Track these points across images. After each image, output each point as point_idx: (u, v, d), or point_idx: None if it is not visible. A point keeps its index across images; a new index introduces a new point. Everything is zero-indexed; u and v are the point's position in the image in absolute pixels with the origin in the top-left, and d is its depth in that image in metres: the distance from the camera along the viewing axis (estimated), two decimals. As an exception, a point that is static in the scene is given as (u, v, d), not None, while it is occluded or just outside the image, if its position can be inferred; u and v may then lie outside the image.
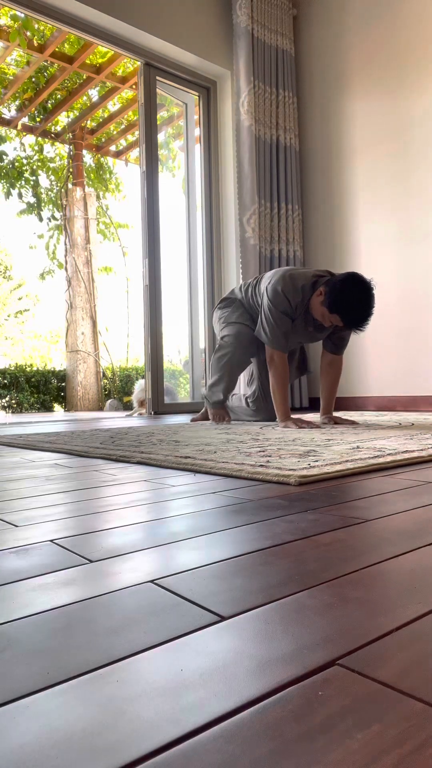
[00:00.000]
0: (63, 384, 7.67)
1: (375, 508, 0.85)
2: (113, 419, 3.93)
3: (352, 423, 2.47)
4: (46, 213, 7.82)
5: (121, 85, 5.88)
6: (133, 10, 3.72)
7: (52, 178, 7.82)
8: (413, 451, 1.41)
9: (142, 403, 4.43)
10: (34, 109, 6.69)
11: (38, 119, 6.98)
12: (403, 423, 2.42)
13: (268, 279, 2.59)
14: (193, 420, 3.08)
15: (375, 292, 2.36)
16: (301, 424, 2.34)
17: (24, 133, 7.23)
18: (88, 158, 7.73)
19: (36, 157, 7.65)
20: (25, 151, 7.57)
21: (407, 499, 0.91)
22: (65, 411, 7.47)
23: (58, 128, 7.29)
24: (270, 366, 2.52)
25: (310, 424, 2.33)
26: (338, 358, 2.68)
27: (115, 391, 7.75)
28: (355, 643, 0.41)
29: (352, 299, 2.25)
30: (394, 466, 1.26)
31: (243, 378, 3.23)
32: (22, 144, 7.53)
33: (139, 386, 4.58)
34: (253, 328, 2.70)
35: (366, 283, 2.27)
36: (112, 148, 7.64)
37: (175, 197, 4.71)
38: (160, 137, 5.10)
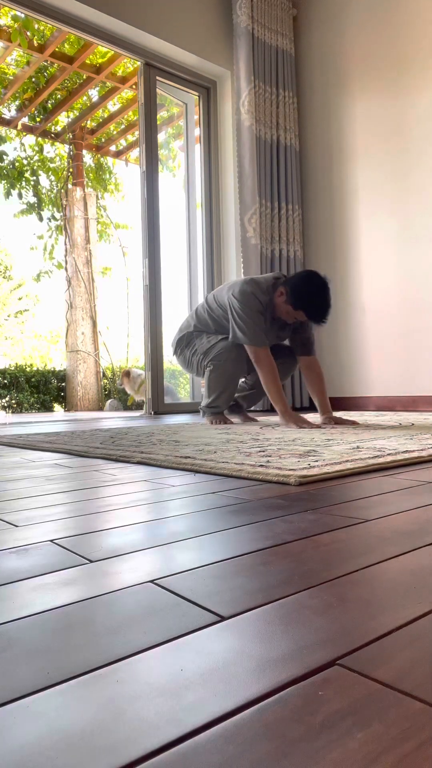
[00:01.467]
0: (63, 384, 7.67)
1: (375, 508, 0.85)
2: (113, 419, 3.93)
3: (353, 423, 2.48)
4: (46, 213, 7.82)
5: (121, 85, 5.88)
6: (133, 10, 3.72)
7: (52, 178, 7.82)
8: (413, 451, 1.41)
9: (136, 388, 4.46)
10: (34, 109, 6.69)
11: (38, 119, 6.98)
12: (403, 423, 2.43)
13: (230, 288, 2.64)
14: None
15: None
16: (302, 424, 2.35)
17: (24, 133, 7.23)
18: (88, 158, 7.74)
19: (36, 157, 7.65)
20: (25, 151, 7.57)
21: (407, 499, 0.91)
22: (65, 411, 7.47)
23: (58, 128, 7.29)
24: (257, 365, 2.54)
25: (311, 425, 2.34)
26: (314, 360, 2.72)
27: (115, 391, 7.75)
28: (355, 643, 0.41)
29: (313, 295, 2.41)
30: (394, 466, 1.26)
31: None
32: (22, 144, 7.54)
33: (135, 375, 4.59)
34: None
35: (323, 279, 2.43)
36: (112, 148, 7.64)
37: (175, 197, 4.72)
38: (160, 137, 5.10)
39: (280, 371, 2.82)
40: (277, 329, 2.68)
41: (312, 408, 4.28)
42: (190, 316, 2.93)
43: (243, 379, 3.05)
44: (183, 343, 2.91)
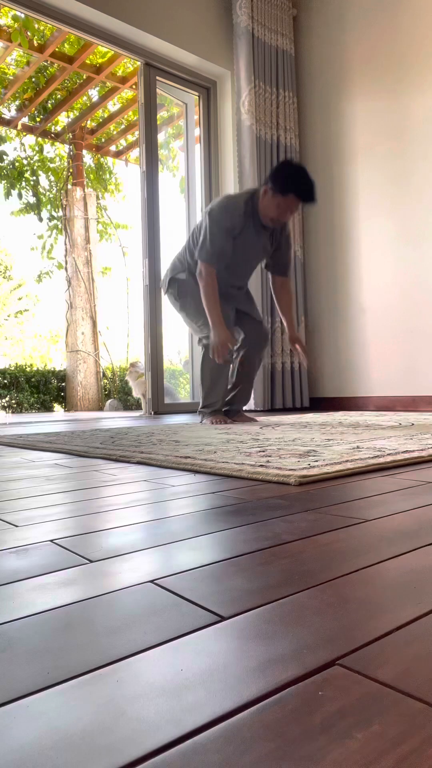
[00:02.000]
0: (63, 384, 7.67)
1: (375, 508, 0.85)
2: (113, 419, 3.93)
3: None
4: (45, 213, 7.82)
5: (121, 85, 5.88)
6: (133, 10, 3.72)
7: (52, 178, 7.81)
8: (413, 451, 1.41)
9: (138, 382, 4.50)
10: (34, 109, 6.69)
11: (38, 119, 6.98)
12: (403, 423, 2.43)
13: (207, 207, 2.70)
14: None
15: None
16: (229, 344, 2.55)
17: (24, 133, 7.23)
18: (88, 158, 7.73)
19: (36, 158, 7.65)
20: (25, 151, 7.57)
21: (407, 499, 0.91)
22: (65, 411, 7.47)
23: (58, 128, 7.29)
24: (200, 278, 2.60)
25: (234, 343, 2.61)
26: (287, 281, 2.87)
27: (115, 391, 7.75)
28: (355, 643, 0.41)
29: (297, 175, 2.50)
30: (394, 466, 1.26)
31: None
32: (22, 144, 7.53)
33: (139, 367, 4.63)
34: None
35: (297, 162, 2.62)
36: (112, 148, 7.64)
37: (175, 197, 4.72)
38: (160, 137, 5.10)
39: (251, 348, 2.90)
40: (265, 241, 2.72)
41: (312, 408, 4.28)
42: (181, 253, 2.90)
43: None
44: (174, 289, 2.87)
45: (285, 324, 2.87)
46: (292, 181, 2.47)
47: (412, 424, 2.32)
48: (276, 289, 2.90)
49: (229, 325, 2.74)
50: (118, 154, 7.72)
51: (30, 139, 7.51)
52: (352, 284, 4.10)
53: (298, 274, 4.26)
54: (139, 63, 4.04)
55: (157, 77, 4.08)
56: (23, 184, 7.57)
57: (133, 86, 5.82)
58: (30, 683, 0.37)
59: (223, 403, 2.87)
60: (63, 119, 7.19)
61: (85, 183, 7.50)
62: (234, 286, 2.81)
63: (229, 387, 2.97)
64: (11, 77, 6.25)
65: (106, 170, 7.96)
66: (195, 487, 1.07)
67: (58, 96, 6.66)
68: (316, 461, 1.27)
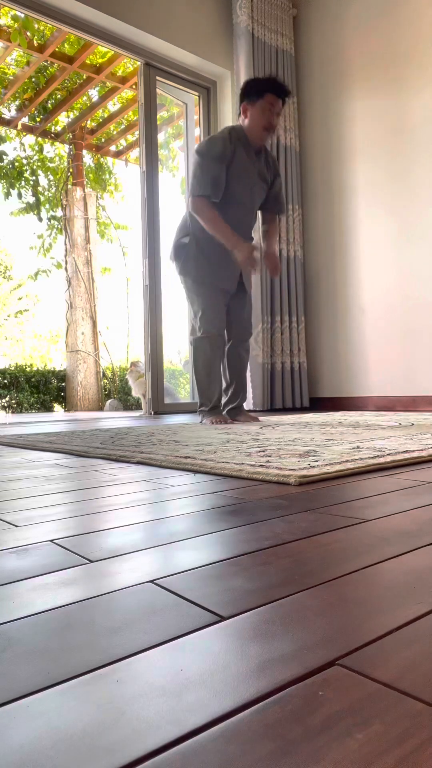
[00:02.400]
0: (63, 384, 7.67)
1: (375, 508, 0.85)
2: (113, 419, 3.93)
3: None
4: (45, 213, 7.82)
5: (121, 85, 5.88)
6: (133, 10, 3.72)
7: (52, 178, 7.81)
8: (413, 451, 1.41)
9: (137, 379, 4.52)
10: (34, 109, 6.69)
11: (38, 119, 6.98)
12: (403, 423, 2.43)
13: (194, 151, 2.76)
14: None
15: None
16: (253, 253, 2.56)
17: (24, 133, 7.23)
18: (87, 158, 7.73)
19: (36, 157, 7.65)
20: (25, 151, 7.57)
21: (407, 499, 0.91)
22: (65, 411, 7.47)
23: (58, 128, 7.29)
24: (198, 215, 2.60)
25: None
26: (276, 218, 2.95)
27: (115, 391, 7.75)
28: (355, 643, 0.41)
29: (264, 78, 2.65)
30: (394, 466, 1.26)
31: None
32: (22, 144, 7.53)
33: (140, 367, 4.65)
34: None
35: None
36: (112, 148, 7.64)
37: (175, 197, 4.72)
38: (160, 137, 5.10)
39: (234, 342, 2.92)
40: (261, 168, 2.75)
41: (312, 408, 4.28)
42: (184, 216, 2.88)
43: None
44: (181, 260, 2.82)
45: (266, 245, 2.85)
46: (263, 82, 2.62)
47: (412, 424, 2.32)
48: (266, 223, 2.93)
49: (220, 316, 2.76)
50: (118, 154, 7.72)
51: (30, 139, 7.52)
52: (352, 284, 4.10)
53: (297, 274, 4.26)
54: (139, 63, 4.04)
55: (157, 77, 4.08)
56: (23, 183, 7.57)
57: (133, 86, 5.82)
58: (30, 683, 0.37)
59: (220, 400, 2.87)
60: (63, 119, 7.19)
61: (85, 183, 7.50)
62: (244, 221, 2.76)
63: (224, 386, 2.98)
64: (11, 77, 6.25)
65: (105, 170, 7.96)
66: (195, 487, 1.07)
67: (58, 96, 6.66)
68: (316, 461, 1.27)
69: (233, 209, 2.69)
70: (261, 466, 1.23)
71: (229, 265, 2.74)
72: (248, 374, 3.93)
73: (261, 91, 2.59)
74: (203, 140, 2.73)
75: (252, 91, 2.62)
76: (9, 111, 6.75)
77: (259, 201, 2.84)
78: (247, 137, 2.68)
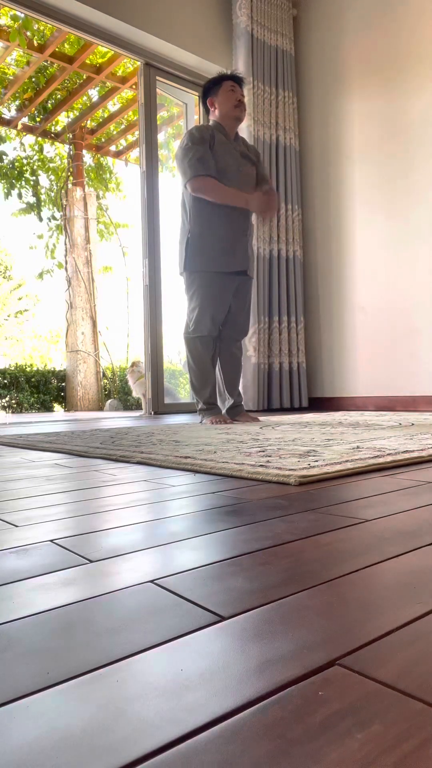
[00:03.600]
0: (63, 384, 7.67)
1: (375, 508, 0.85)
2: (113, 419, 3.93)
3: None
4: (45, 213, 7.82)
5: (121, 85, 5.88)
6: (133, 10, 3.72)
7: (52, 178, 7.81)
8: (413, 451, 1.41)
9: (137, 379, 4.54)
10: (34, 109, 6.69)
11: (38, 119, 6.98)
12: (403, 423, 2.43)
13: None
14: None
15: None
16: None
17: (24, 133, 7.23)
18: (88, 158, 7.73)
19: (36, 157, 7.65)
20: (25, 151, 7.57)
21: (407, 499, 0.91)
22: (65, 411, 7.47)
23: (58, 128, 7.29)
24: (201, 194, 2.65)
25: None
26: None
27: (115, 391, 7.75)
28: (355, 643, 0.41)
29: (216, 76, 2.86)
30: (394, 466, 1.26)
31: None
32: (22, 144, 7.53)
33: (141, 367, 4.66)
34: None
35: None
36: (112, 148, 7.64)
37: (175, 197, 4.71)
38: (160, 137, 5.10)
39: (228, 339, 2.93)
40: (243, 149, 2.84)
41: (312, 408, 4.28)
42: (182, 222, 2.91)
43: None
44: (182, 257, 2.84)
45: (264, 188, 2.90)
46: (217, 76, 2.84)
47: (412, 424, 2.32)
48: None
49: (214, 318, 2.75)
50: (118, 154, 7.72)
51: (30, 139, 7.52)
52: (351, 284, 4.10)
53: (297, 274, 4.26)
54: (139, 63, 4.04)
55: (157, 77, 4.08)
56: (23, 183, 7.56)
57: (133, 86, 5.82)
58: (30, 683, 0.37)
59: (214, 398, 2.87)
60: (63, 119, 7.19)
61: (85, 183, 7.50)
62: (238, 221, 2.77)
63: (218, 385, 2.99)
64: (11, 77, 6.25)
65: (106, 170, 7.96)
66: (195, 487, 1.07)
67: (58, 96, 6.66)
68: (316, 461, 1.27)
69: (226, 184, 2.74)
70: (261, 466, 1.23)
71: (233, 250, 2.76)
72: (246, 374, 3.93)
73: (218, 81, 2.81)
74: (184, 137, 2.79)
75: (211, 86, 2.83)
76: (9, 111, 6.75)
77: (252, 180, 2.86)
78: (221, 126, 2.79)
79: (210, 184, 2.64)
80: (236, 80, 2.83)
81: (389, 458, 1.29)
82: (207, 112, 2.89)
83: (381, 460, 1.27)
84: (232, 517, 0.82)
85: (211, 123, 2.84)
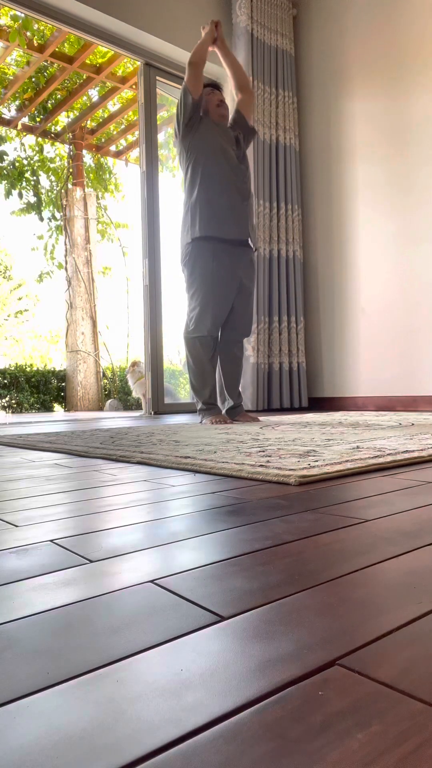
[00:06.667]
0: (63, 384, 7.67)
1: (375, 508, 0.85)
2: (113, 419, 3.93)
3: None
4: (46, 213, 7.82)
5: (121, 85, 5.88)
6: (133, 10, 3.72)
7: (53, 178, 7.81)
8: (413, 451, 1.41)
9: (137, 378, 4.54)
10: (34, 109, 6.69)
11: (38, 119, 6.98)
12: (403, 423, 2.42)
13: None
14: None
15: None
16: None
17: (24, 133, 7.23)
18: (88, 158, 7.73)
19: (36, 158, 7.65)
20: (25, 151, 7.57)
21: (407, 499, 0.91)
22: (65, 411, 7.47)
23: (58, 128, 7.29)
24: (189, 72, 2.79)
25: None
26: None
27: (115, 391, 7.75)
28: (355, 643, 0.41)
29: None
30: (394, 466, 1.26)
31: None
32: (22, 144, 7.54)
33: (141, 367, 4.67)
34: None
35: None
36: (112, 148, 7.64)
37: (175, 197, 4.72)
38: (160, 137, 5.09)
39: (230, 339, 2.95)
40: (224, 133, 2.89)
41: (312, 408, 4.28)
42: (182, 218, 2.93)
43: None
44: (182, 250, 2.87)
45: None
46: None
47: (412, 424, 2.32)
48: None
49: (214, 318, 2.76)
50: (118, 154, 7.72)
51: (30, 139, 7.52)
52: (351, 284, 4.10)
53: (297, 274, 4.26)
54: (139, 63, 4.04)
55: (157, 77, 4.08)
56: (23, 184, 7.57)
57: (133, 86, 5.82)
58: (30, 683, 0.37)
59: (214, 398, 2.87)
60: (63, 119, 7.19)
61: (85, 183, 7.50)
62: (234, 184, 2.79)
63: (219, 385, 2.99)
64: (11, 77, 6.25)
65: (106, 170, 7.96)
66: (195, 487, 1.07)
67: (58, 96, 6.66)
68: (316, 461, 1.27)
69: (221, 163, 2.77)
70: (261, 466, 1.23)
71: (234, 217, 2.77)
72: (246, 374, 3.93)
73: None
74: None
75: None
76: (9, 111, 6.75)
77: (240, 151, 2.90)
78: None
79: (190, 60, 2.79)
80: (213, 86, 2.95)
81: (389, 458, 1.29)
82: None
83: (381, 460, 1.27)
84: (232, 517, 0.82)
85: None
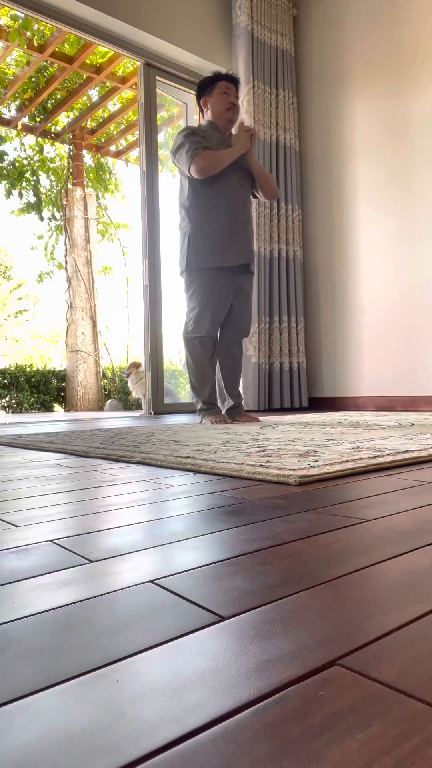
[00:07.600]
0: (63, 384, 7.67)
1: (375, 508, 0.85)
2: (113, 419, 3.93)
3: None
4: (46, 213, 7.82)
5: (121, 85, 5.88)
6: (133, 10, 3.72)
7: (53, 178, 7.81)
8: (413, 451, 1.41)
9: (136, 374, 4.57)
10: (34, 109, 6.69)
11: (38, 119, 6.98)
12: (403, 423, 2.42)
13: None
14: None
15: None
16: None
17: (24, 133, 7.23)
18: (88, 158, 7.73)
19: (36, 157, 7.65)
20: (25, 151, 7.57)
21: (407, 499, 0.91)
22: (65, 411, 7.47)
23: (58, 128, 7.29)
24: (204, 172, 2.67)
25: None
26: None
27: (115, 391, 7.75)
28: (355, 643, 0.41)
29: (210, 76, 2.85)
30: (394, 466, 1.26)
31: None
32: (22, 144, 7.54)
33: (142, 369, 4.70)
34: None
35: None
36: (112, 148, 7.64)
37: (175, 197, 4.71)
38: (160, 137, 5.09)
39: (228, 340, 2.94)
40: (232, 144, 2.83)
41: (312, 408, 4.28)
42: (180, 224, 2.93)
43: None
44: (182, 255, 2.86)
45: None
46: (212, 76, 2.84)
47: (412, 424, 2.32)
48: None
49: (213, 318, 2.76)
50: (118, 154, 7.72)
51: (30, 139, 7.52)
52: (351, 284, 4.10)
53: (297, 274, 4.26)
54: (139, 63, 4.04)
55: (157, 77, 4.08)
56: (23, 184, 7.57)
57: (133, 86, 5.82)
58: (30, 683, 0.37)
59: (214, 398, 2.87)
60: (63, 119, 7.20)
61: (85, 183, 7.50)
62: (237, 198, 2.78)
63: (218, 385, 2.99)
64: (11, 77, 6.25)
65: (106, 170, 7.96)
66: (195, 487, 1.07)
67: (58, 96, 6.66)
68: (316, 461, 1.27)
69: (225, 187, 2.75)
70: (261, 466, 1.23)
71: (235, 243, 2.76)
72: (247, 374, 3.93)
73: (213, 81, 2.81)
74: (178, 136, 2.83)
75: (205, 86, 2.83)
76: (9, 111, 6.75)
77: (248, 174, 2.87)
78: (214, 124, 2.83)
79: (210, 156, 2.67)
80: (231, 80, 2.82)
81: (389, 458, 1.29)
82: (201, 111, 2.90)
83: (381, 460, 1.27)
84: (232, 517, 0.82)
85: (204, 123, 2.87)
